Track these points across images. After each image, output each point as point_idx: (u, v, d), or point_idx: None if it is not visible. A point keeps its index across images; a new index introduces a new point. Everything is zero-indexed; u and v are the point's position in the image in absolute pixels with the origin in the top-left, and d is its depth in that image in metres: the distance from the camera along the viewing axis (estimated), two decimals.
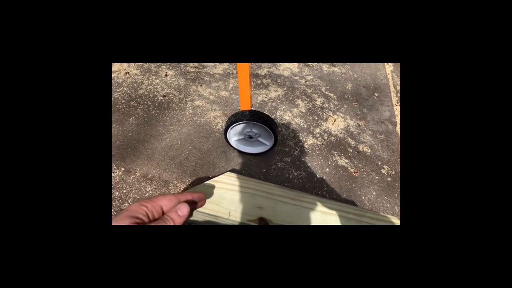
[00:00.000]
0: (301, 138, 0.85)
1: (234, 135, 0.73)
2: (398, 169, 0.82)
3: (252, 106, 0.73)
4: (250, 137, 0.71)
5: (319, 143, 0.85)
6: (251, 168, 0.75)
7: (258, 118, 0.65)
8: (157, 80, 0.99)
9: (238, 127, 0.70)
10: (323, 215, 0.48)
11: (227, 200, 0.47)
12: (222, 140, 0.80)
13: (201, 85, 0.98)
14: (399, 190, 0.77)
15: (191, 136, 0.80)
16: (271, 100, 0.95)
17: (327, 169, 0.78)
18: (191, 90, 0.95)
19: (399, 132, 0.94)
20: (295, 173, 0.76)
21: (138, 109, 0.88)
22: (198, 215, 0.48)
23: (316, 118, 0.92)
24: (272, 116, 0.89)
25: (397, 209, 0.73)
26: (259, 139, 0.72)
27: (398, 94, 1.11)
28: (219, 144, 0.79)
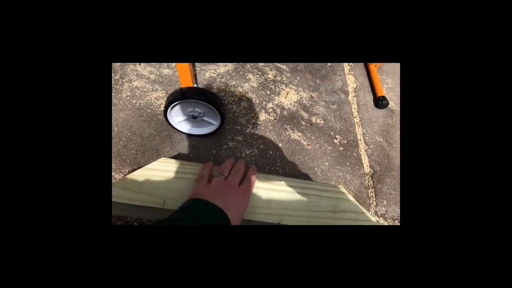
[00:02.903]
0: (253, 114, 0.81)
1: (176, 116, 0.67)
2: (350, 138, 0.83)
3: (195, 83, 0.67)
4: (194, 117, 0.66)
5: (272, 118, 0.82)
6: (199, 150, 0.70)
7: (198, 96, 0.59)
8: None
9: (179, 107, 0.64)
10: (268, 192, 0.45)
11: (161, 189, 0.42)
12: (166, 123, 0.73)
13: (139, 63, 0.88)
14: (350, 159, 0.78)
15: (129, 121, 0.72)
16: (220, 76, 0.89)
17: (280, 144, 0.76)
18: (128, 69, 0.85)
19: (351, 101, 0.94)
20: (248, 151, 0.73)
21: None
22: (124, 209, 0.43)
23: (269, 93, 0.88)
24: (221, 94, 0.84)
25: (349, 177, 0.74)
26: (205, 118, 0.67)
27: (350, 63, 1.10)
28: (162, 127, 0.72)
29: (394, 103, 0.97)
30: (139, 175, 0.44)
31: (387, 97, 0.94)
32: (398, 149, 0.85)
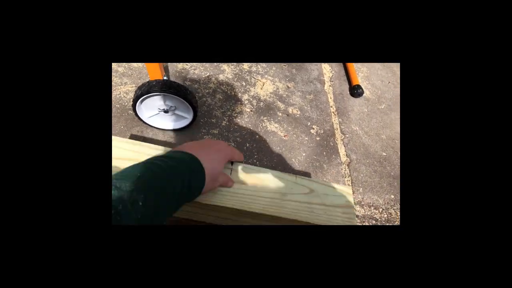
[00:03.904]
0: (228, 106, 0.79)
1: (147, 111, 0.64)
2: (327, 128, 0.83)
3: (165, 76, 0.64)
4: (166, 111, 0.63)
5: (248, 110, 0.80)
6: (173, 146, 0.68)
7: (168, 89, 0.56)
8: None
9: (149, 101, 0.61)
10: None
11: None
12: (137, 119, 0.70)
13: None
14: (327, 149, 0.78)
15: None
16: (193, 67, 0.86)
17: (257, 136, 0.75)
18: None
19: (327, 90, 0.94)
20: None
21: None
22: None
23: (244, 84, 0.86)
24: (195, 86, 0.81)
25: (326, 166, 0.74)
26: (177, 112, 0.64)
27: None
28: (133, 123, 0.69)
29: (369, 91, 0.99)
30: None
31: (362, 86, 0.96)
32: (374, 137, 0.86)
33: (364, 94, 0.96)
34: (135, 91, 0.59)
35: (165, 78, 0.63)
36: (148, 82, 0.57)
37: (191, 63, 0.87)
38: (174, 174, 0.30)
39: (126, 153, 0.43)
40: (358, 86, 0.93)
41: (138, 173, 0.27)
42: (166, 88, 0.56)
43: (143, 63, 0.83)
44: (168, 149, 0.45)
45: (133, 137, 0.67)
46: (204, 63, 0.88)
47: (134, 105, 0.59)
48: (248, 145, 0.73)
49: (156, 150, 0.45)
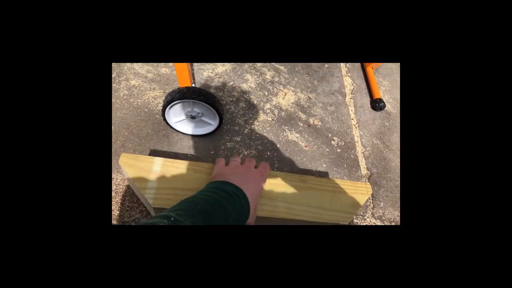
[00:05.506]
0: (251, 115, 0.81)
1: (174, 116, 0.66)
2: (347, 140, 0.83)
3: (193, 83, 0.66)
4: (193, 117, 0.65)
5: (270, 119, 0.81)
6: (197, 151, 0.70)
7: (197, 96, 0.58)
8: None
9: (177, 107, 0.63)
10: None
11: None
12: (163, 123, 0.72)
13: (137, 62, 0.87)
14: (348, 161, 0.78)
15: (127, 121, 0.71)
16: (218, 76, 0.88)
17: (278, 145, 0.76)
18: (125, 67, 0.84)
19: (348, 103, 0.94)
20: (246, 152, 0.72)
21: None
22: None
23: (267, 93, 0.88)
24: (219, 94, 0.83)
25: (346, 178, 0.74)
26: (203, 118, 0.66)
27: (347, 65, 1.10)
28: (160, 127, 0.71)
29: (391, 105, 0.98)
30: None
31: (384, 100, 0.95)
32: (395, 152, 0.85)
33: (385, 108, 0.96)
34: (166, 97, 0.61)
35: (193, 85, 0.65)
36: (179, 88, 0.60)
37: (216, 72, 0.90)
38: (229, 206, 0.34)
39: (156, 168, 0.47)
40: (380, 100, 0.93)
41: (198, 206, 0.31)
42: (196, 95, 0.58)
43: (172, 70, 0.87)
44: (197, 162, 0.47)
45: (159, 141, 0.69)
46: (228, 73, 0.91)
47: (164, 110, 0.62)
48: (269, 153, 0.74)
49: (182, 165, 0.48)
